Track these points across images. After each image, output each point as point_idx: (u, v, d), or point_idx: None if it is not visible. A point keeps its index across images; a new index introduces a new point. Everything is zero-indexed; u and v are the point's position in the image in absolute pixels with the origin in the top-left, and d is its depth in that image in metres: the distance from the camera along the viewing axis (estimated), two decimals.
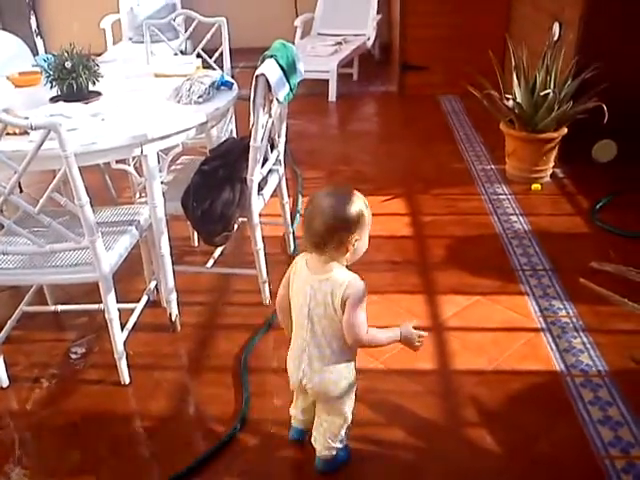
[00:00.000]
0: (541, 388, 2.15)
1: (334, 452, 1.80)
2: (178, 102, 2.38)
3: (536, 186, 3.47)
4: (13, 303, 2.50)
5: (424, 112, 4.81)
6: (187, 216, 2.39)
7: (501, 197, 3.43)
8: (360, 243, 1.62)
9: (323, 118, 4.86)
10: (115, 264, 2.12)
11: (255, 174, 2.38)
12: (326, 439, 1.79)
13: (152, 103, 2.42)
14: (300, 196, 3.51)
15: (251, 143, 2.32)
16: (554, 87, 3.28)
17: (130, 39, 5.65)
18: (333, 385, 1.70)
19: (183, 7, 5.63)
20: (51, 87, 2.37)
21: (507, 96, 3.42)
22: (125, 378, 2.22)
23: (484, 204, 3.37)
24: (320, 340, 1.67)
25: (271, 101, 2.35)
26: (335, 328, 1.65)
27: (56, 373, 2.31)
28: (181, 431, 2.05)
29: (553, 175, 3.59)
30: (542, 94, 3.24)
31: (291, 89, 2.37)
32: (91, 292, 2.53)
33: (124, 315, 2.24)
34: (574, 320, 2.45)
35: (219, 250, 2.77)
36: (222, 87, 2.51)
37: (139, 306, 2.37)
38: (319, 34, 5.72)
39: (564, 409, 2.05)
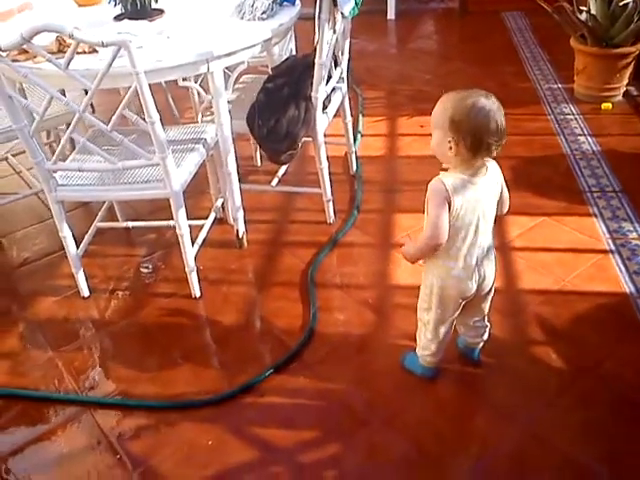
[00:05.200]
0: (609, 309, 2.13)
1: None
2: (242, 18, 2.34)
3: (607, 105, 3.32)
4: (86, 220, 2.61)
5: (487, 30, 4.62)
6: (252, 134, 2.40)
7: (568, 117, 3.31)
8: None
9: (382, 36, 4.73)
10: (185, 181, 2.17)
11: (320, 92, 2.36)
12: (480, 330, 1.91)
13: (215, 20, 2.39)
14: (361, 116, 3.47)
15: (316, 60, 2.29)
16: None
17: None
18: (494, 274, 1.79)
19: None
20: (115, 5, 2.36)
21: (582, 8, 3.23)
22: (196, 291, 2.31)
23: (551, 124, 3.26)
24: (489, 236, 1.71)
25: (334, 17, 2.29)
26: (493, 216, 1.70)
27: (130, 286, 2.43)
28: (250, 342, 2.14)
29: (626, 94, 3.43)
30: (621, 4, 3.05)
31: (356, 3, 2.31)
32: (158, 210, 2.64)
33: (193, 231, 2.30)
34: None
35: (282, 169, 2.79)
36: (285, 3, 2.45)
37: (207, 223, 2.43)
38: None
39: (633, 330, 2.04)
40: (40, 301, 2.38)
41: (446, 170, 1.66)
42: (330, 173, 2.61)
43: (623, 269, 2.28)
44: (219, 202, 2.55)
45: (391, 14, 4.87)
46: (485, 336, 1.92)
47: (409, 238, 1.71)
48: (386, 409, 1.87)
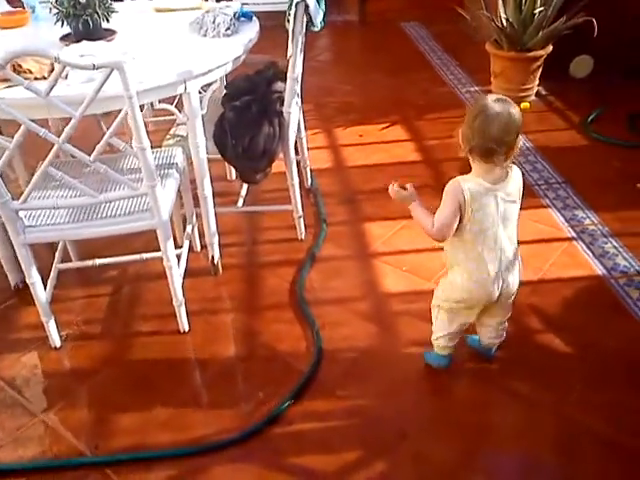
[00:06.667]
0: (590, 291, 2.27)
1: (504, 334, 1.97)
2: (204, 36, 2.24)
3: (525, 105, 3.55)
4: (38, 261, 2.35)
5: (391, 40, 4.77)
6: (224, 155, 2.30)
7: None
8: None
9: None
10: (171, 209, 2.03)
11: (292, 107, 2.31)
12: (500, 331, 1.94)
13: (177, 39, 2.27)
14: None
15: (289, 74, 2.25)
16: (542, 3, 3.33)
17: None
18: (518, 279, 1.82)
19: None
20: (62, 25, 2.17)
21: (502, 16, 3.42)
22: (184, 326, 2.16)
23: None
24: (512, 242, 1.74)
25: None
26: (516, 220, 1.74)
27: (105, 328, 2.23)
28: (259, 371, 2.03)
29: (537, 93, 3.68)
30: (536, 12, 3.28)
31: (324, 15, 2.29)
32: (111, 244, 2.40)
33: (160, 264, 2.10)
34: (600, 227, 2.58)
35: (245, 189, 2.69)
36: (242, 18, 2.39)
37: (184, 251, 2.29)
38: None
39: (617, 308, 2.18)
40: (3, 360, 2.11)
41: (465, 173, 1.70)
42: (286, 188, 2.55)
43: (590, 253, 2.44)
44: (189, 228, 2.41)
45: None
46: (504, 336, 1.97)
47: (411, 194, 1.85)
48: (418, 416, 1.86)
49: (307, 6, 2.11)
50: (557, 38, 3.44)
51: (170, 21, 2.45)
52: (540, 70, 3.56)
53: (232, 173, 2.93)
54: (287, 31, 2.20)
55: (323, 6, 2.32)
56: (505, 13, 3.44)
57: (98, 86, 1.66)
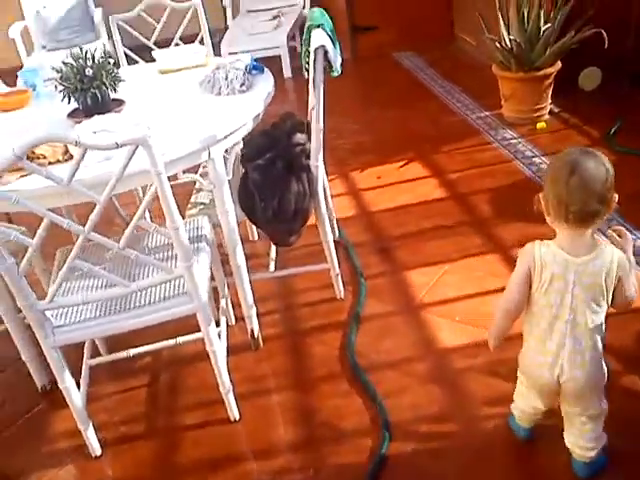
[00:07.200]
0: None
1: (598, 450, 1.60)
2: (218, 94, 2.10)
3: (541, 125, 3.43)
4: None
5: (388, 72, 4.67)
6: (252, 219, 2.13)
7: (512, 142, 3.36)
8: None
9: (288, 96, 4.59)
10: (208, 288, 1.85)
11: (319, 159, 2.16)
12: (588, 439, 1.59)
13: (190, 101, 2.12)
14: None
15: (313, 126, 2.10)
16: (544, 20, 3.23)
17: (44, 47, 5.09)
18: (596, 378, 1.53)
19: (96, 4, 5.17)
20: (69, 101, 2.02)
21: (511, 37, 3.31)
22: (235, 413, 1.96)
23: (501, 152, 3.28)
24: (582, 330, 1.47)
25: None
26: (597, 312, 1.48)
27: (147, 426, 2.02)
28: (326, 455, 1.82)
29: (550, 111, 3.56)
30: (542, 28, 3.17)
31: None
32: (141, 329, 2.20)
33: (197, 344, 1.94)
34: None
35: (274, 251, 2.50)
36: (253, 72, 2.25)
37: (222, 330, 2.09)
38: (249, 11, 5.40)
39: None
40: (40, 478, 1.89)
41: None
42: (314, 243, 2.37)
43: None
44: (223, 302, 2.22)
45: (287, 72, 4.78)
46: (593, 453, 1.59)
47: None
48: None
49: (326, 52, 1.97)
50: (565, 54, 3.34)
51: (178, 82, 2.32)
52: (551, 88, 3.44)
53: (255, 233, 2.76)
54: (306, 79, 2.05)
55: (338, 48, 2.18)
56: (509, 33, 3.34)
57: (124, 165, 1.49)
